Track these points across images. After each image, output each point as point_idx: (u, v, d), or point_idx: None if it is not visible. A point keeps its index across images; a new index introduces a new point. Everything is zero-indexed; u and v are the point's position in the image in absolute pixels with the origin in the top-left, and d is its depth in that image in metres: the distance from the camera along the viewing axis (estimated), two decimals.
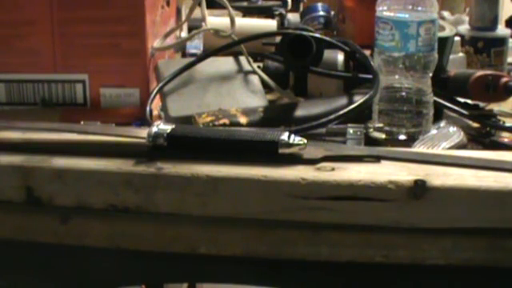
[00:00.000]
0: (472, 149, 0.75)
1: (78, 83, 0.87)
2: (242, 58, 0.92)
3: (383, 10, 0.76)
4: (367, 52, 0.87)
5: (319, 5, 1.26)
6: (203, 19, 1.04)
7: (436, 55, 0.77)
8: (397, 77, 0.76)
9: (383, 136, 0.73)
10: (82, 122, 0.82)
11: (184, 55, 1.07)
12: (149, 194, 0.59)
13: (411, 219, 0.57)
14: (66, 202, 0.61)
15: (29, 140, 0.66)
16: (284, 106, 0.90)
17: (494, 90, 0.83)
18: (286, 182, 0.57)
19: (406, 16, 0.75)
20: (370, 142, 0.73)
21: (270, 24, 1.20)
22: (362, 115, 0.79)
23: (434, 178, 0.56)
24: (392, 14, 0.75)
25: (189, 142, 0.62)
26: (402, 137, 0.75)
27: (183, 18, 1.07)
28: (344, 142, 0.74)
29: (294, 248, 0.60)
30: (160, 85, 0.86)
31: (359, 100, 0.75)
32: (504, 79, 0.83)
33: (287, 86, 0.95)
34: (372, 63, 0.81)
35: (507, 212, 0.56)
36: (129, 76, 0.87)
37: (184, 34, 1.07)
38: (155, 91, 0.85)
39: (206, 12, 1.05)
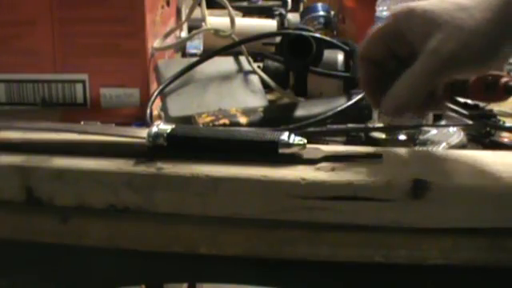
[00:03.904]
0: (472, 149, 0.75)
1: (78, 83, 0.87)
2: (242, 58, 0.93)
3: (383, 10, 0.76)
4: None
5: (319, 5, 1.26)
6: (203, 19, 1.04)
7: None
8: None
9: (383, 136, 0.73)
10: (82, 122, 0.82)
11: (184, 55, 1.07)
12: (149, 194, 0.59)
13: (411, 219, 0.57)
14: (66, 202, 0.61)
15: (29, 140, 0.66)
16: (284, 105, 0.90)
17: (494, 89, 0.83)
18: (286, 182, 0.57)
19: None
20: (370, 141, 0.73)
21: (270, 24, 1.20)
22: (362, 115, 0.79)
23: (434, 177, 0.56)
24: None
25: (189, 142, 0.62)
26: (402, 137, 0.75)
27: (183, 18, 1.07)
28: (344, 142, 0.74)
29: (294, 248, 0.60)
30: (161, 87, 0.86)
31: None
32: (504, 79, 0.83)
33: (287, 86, 0.95)
34: None
35: (507, 212, 0.56)
36: (129, 76, 0.87)
37: (184, 34, 1.08)
38: (156, 93, 0.85)
39: (206, 12, 1.05)
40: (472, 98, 0.86)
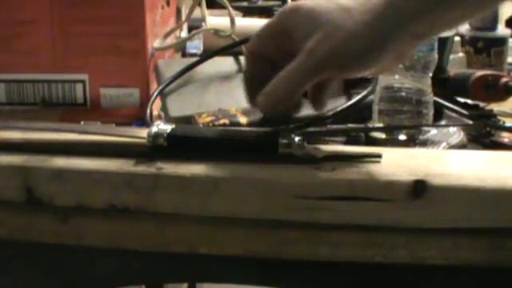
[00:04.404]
0: (472, 149, 0.75)
1: (78, 83, 0.87)
2: (242, 58, 0.93)
3: None
4: None
5: None
6: (203, 19, 1.04)
7: (436, 55, 0.77)
8: (397, 77, 0.77)
9: (383, 136, 0.73)
10: (82, 122, 0.82)
11: (184, 55, 1.07)
12: (149, 194, 0.59)
13: (411, 219, 0.57)
14: (66, 202, 0.61)
15: (29, 140, 0.66)
16: None
17: (494, 89, 0.83)
18: (286, 182, 0.57)
19: None
20: (370, 141, 0.73)
21: None
22: (362, 115, 0.79)
23: (434, 178, 0.56)
24: None
25: (189, 142, 0.62)
26: (402, 137, 0.75)
27: (183, 18, 1.07)
28: (344, 142, 0.74)
29: (294, 248, 0.60)
30: (161, 87, 0.86)
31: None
32: (504, 79, 0.83)
33: None
34: None
35: (507, 212, 0.56)
36: (129, 76, 0.87)
37: (184, 34, 1.08)
38: (156, 93, 0.85)
39: (206, 12, 1.05)
40: (472, 98, 0.87)
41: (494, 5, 0.57)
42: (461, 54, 1.04)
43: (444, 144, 0.73)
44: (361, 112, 0.79)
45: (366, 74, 0.60)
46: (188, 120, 0.80)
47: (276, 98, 0.59)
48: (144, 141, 0.62)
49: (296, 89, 0.58)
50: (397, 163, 0.60)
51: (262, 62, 0.62)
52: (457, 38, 1.01)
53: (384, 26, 0.56)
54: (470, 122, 0.83)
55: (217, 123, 0.77)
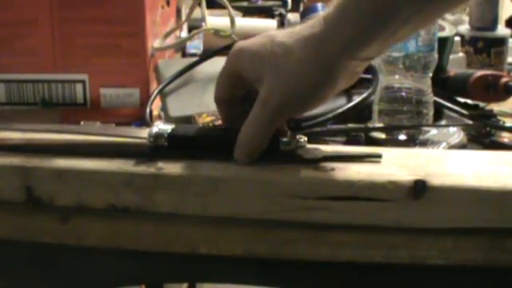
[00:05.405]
0: (472, 149, 0.75)
1: (78, 83, 0.87)
2: None
3: None
4: None
5: (319, 5, 1.26)
6: (203, 19, 1.04)
7: (436, 55, 0.78)
8: (397, 77, 0.77)
9: (383, 136, 0.74)
10: (82, 122, 0.82)
11: (184, 55, 1.07)
12: (149, 194, 0.59)
13: (411, 219, 0.57)
14: (66, 202, 0.61)
15: (29, 140, 0.66)
16: None
17: (494, 89, 0.83)
18: (286, 182, 0.57)
19: None
20: (370, 141, 0.73)
21: (270, 24, 1.20)
22: (362, 115, 0.79)
23: (434, 177, 0.56)
24: None
25: (189, 142, 0.62)
26: (402, 137, 0.75)
27: (183, 18, 1.07)
28: (344, 142, 0.74)
29: (293, 248, 0.60)
30: (160, 87, 0.86)
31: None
32: (504, 79, 0.83)
33: None
34: (371, 62, 0.81)
35: (507, 212, 0.56)
36: (129, 76, 0.87)
37: (184, 34, 1.08)
38: (155, 93, 0.85)
39: (206, 12, 1.05)
40: (472, 98, 0.87)
41: (441, 16, 0.57)
42: (461, 54, 1.04)
43: (444, 144, 0.73)
44: (361, 112, 0.79)
45: (318, 106, 0.61)
46: (188, 120, 0.80)
47: (248, 149, 0.59)
48: (144, 141, 0.62)
49: (261, 138, 0.59)
50: (397, 163, 0.60)
51: (232, 104, 0.63)
52: (457, 38, 1.01)
53: (330, 60, 0.56)
54: (470, 122, 0.83)
55: (217, 123, 0.77)
